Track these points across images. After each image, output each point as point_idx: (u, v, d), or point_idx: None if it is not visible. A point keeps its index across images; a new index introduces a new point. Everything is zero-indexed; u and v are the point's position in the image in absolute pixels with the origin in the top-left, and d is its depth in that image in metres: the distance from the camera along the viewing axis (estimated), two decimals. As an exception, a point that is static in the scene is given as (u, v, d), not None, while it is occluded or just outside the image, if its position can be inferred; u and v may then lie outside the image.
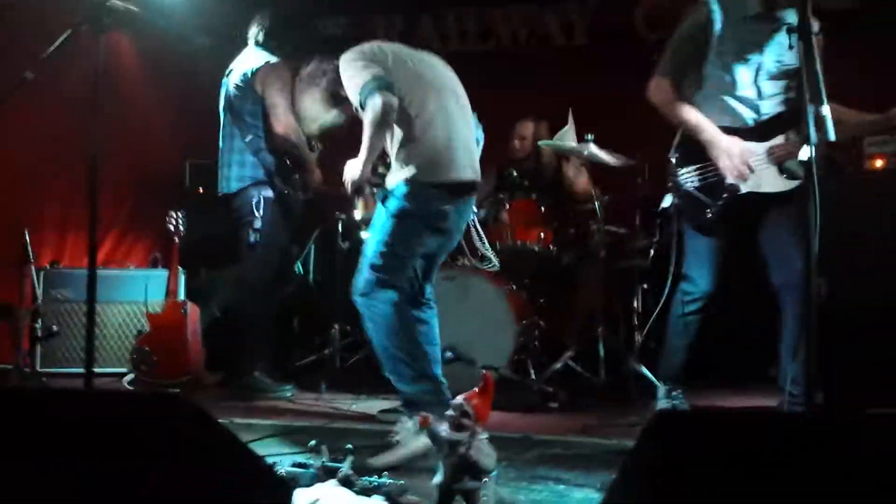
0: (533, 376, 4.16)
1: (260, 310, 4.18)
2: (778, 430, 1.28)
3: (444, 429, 1.97)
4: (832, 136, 2.14)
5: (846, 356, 3.46)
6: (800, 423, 1.33)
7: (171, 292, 4.49)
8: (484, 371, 2.10)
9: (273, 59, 4.00)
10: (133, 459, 1.47)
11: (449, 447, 1.96)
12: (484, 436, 2.02)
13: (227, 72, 4.12)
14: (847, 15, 4.91)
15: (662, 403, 3.50)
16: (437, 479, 1.99)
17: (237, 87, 3.98)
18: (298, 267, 5.06)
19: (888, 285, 3.86)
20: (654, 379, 4.18)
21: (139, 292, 4.72)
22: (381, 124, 3.06)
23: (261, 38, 4.04)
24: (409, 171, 3.15)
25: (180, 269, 4.54)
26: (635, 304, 4.76)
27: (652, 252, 4.75)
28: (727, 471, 1.24)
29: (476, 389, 2.03)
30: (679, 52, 3.29)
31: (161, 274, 4.70)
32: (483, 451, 1.98)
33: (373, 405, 3.80)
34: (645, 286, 4.80)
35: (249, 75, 3.95)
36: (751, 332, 4.28)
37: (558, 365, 4.31)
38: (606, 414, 3.81)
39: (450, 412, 1.98)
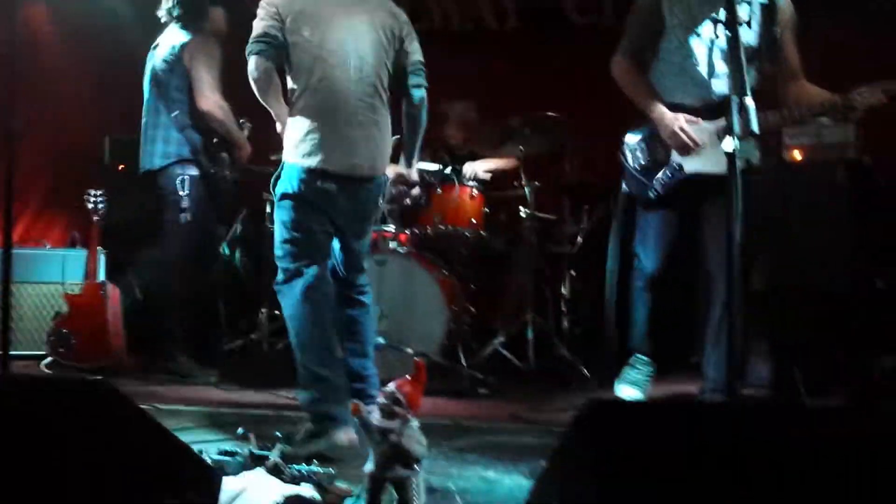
0: (463, 362, 4.17)
1: (183, 291, 4.08)
2: (705, 420, 1.31)
3: (375, 416, 1.95)
4: (755, 128, 2.18)
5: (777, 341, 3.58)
6: (726, 412, 1.35)
7: (90, 273, 4.32)
8: (416, 359, 2.08)
9: (200, 35, 3.87)
10: (53, 448, 1.40)
11: (380, 435, 1.94)
12: (415, 423, 2.01)
13: (153, 45, 3.98)
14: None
15: (628, 374, 3.52)
16: (368, 466, 1.97)
17: (165, 61, 3.85)
18: (224, 248, 4.94)
19: (812, 273, 4.02)
20: (580, 366, 4.26)
21: (56, 273, 4.55)
22: (260, 88, 2.88)
23: (175, 13, 3.90)
24: (287, 152, 2.95)
25: (100, 248, 4.37)
26: (563, 290, 4.83)
27: (580, 238, 4.82)
28: (655, 459, 1.26)
29: (408, 377, 2.01)
30: (634, 27, 3.31)
31: (79, 254, 4.52)
32: (414, 438, 1.97)
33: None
34: (573, 272, 4.86)
35: (178, 49, 3.82)
36: (674, 320, 4.39)
37: (488, 351, 4.33)
38: (535, 400, 3.84)
39: (381, 399, 1.96)
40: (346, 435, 2.75)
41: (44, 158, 5.16)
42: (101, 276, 4.40)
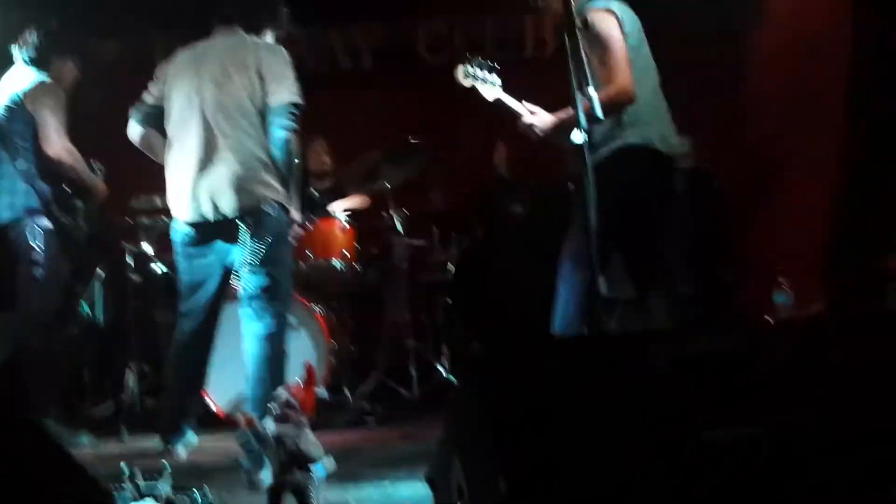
0: (348, 395, 4.14)
1: (45, 352, 3.82)
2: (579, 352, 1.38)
3: (269, 424, 1.92)
4: (601, 115, 2.34)
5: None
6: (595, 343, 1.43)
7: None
8: (306, 363, 2.07)
9: (46, 79, 3.72)
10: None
11: (276, 441, 1.91)
12: (308, 429, 1.99)
13: None
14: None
15: None
16: (266, 475, 1.93)
17: (7, 108, 3.67)
18: (84, 306, 4.68)
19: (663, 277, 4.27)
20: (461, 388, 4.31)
21: None
22: (143, 148, 3.33)
23: (29, 55, 3.75)
24: None
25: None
26: (440, 317, 4.90)
27: (450, 266, 4.92)
28: (541, 396, 1.31)
29: (299, 381, 2.00)
30: None
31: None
32: (310, 441, 1.95)
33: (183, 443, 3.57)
34: (448, 300, 4.94)
35: (20, 96, 3.65)
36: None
37: (371, 382, 4.32)
38: (423, 422, 3.86)
39: (273, 406, 1.94)
40: None
41: None
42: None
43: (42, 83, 3.68)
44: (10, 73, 3.75)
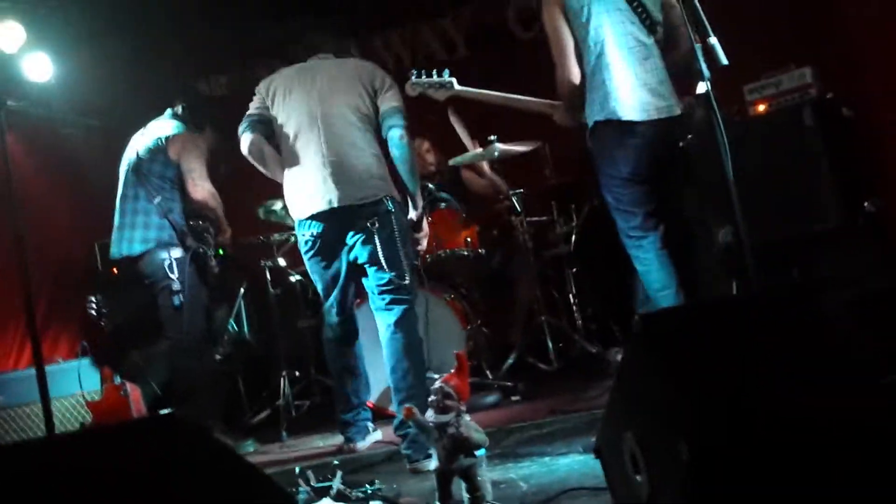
0: (489, 376, 4.20)
1: (199, 372, 4.05)
2: (751, 310, 1.35)
3: (429, 414, 1.99)
4: (724, 61, 2.28)
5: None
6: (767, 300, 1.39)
7: (106, 377, 4.31)
8: (455, 352, 2.12)
9: (190, 129, 3.98)
10: (135, 489, 1.42)
11: (439, 431, 1.97)
12: (467, 415, 2.04)
13: (140, 132, 4.04)
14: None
15: None
16: (433, 463, 1.99)
17: (149, 149, 3.92)
18: (232, 325, 4.94)
19: (801, 216, 4.11)
20: (602, 353, 4.30)
21: (74, 384, 4.52)
22: (255, 159, 3.40)
23: (180, 111, 4.03)
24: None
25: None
26: (570, 289, 4.89)
27: (574, 237, 4.89)
28: (713, 354, 1.30)
29: (452, 370, 2.05)
30: None
31: (93, 362, 4.52)
32: (471, 427, 2.00)
33: (339, 440, 3.73)
34: (574, 270, 4.92)
35: (164, 140, 3.91)
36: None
37: (510, 360, 4.36)
38: (568, 394, 3.87)
39: (432, 397, 2.00)
40: None
41: (39, 278, 5.17)
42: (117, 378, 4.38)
43: (187, 132, 3.93)
44: (157, 121, 4.03)
